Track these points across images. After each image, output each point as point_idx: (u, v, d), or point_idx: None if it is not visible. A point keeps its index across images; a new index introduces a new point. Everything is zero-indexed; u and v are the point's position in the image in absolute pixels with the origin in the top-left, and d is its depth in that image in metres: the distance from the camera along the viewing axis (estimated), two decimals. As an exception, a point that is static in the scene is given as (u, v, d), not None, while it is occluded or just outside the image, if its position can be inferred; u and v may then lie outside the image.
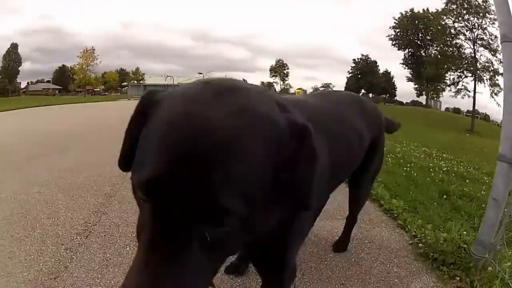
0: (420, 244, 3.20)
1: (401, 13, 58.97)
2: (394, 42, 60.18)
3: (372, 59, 71.50)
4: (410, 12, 58.21)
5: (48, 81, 72.26)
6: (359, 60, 72.00)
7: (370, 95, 73.54)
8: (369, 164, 2.59)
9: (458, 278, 2.67)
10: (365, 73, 70.43)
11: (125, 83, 71.84)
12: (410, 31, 58.25)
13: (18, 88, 65.55)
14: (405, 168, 6.35)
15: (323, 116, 1.82)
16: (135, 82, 66.02)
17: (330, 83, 79.53)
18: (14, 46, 62.27)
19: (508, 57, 2.65)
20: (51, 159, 6.50)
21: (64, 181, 4.99)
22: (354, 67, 72.50)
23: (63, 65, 72.56)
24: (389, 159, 7.11)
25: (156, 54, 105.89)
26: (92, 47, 61.23)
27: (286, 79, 74.52)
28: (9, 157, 6.63)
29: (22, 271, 2.68)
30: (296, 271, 1.72)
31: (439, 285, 2.65)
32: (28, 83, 71.33)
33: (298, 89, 52.56)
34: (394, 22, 59.47)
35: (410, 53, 60.13)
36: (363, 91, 72.23)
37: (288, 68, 74.84)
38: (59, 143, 8.36)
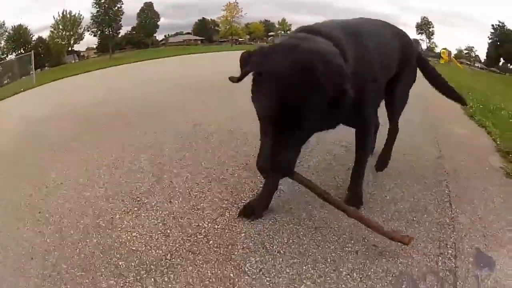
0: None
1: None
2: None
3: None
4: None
5: (188, 33, 76.81)
6: (497, 26, 65.31)
7: (509, 65, 66.64)
8: (402, 74, 3.40)
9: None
10: (502, 41, 63.73)
11: (271, 33, 74.28)
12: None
13: (156, 41, 71.26)
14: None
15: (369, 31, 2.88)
16: (283, 32, 68.04)
17: (473, 47, 72.38)
18: (149, 5, 66.70)
19: None
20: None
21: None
22: (492, 33, 66.03)
23: (203, 18, 76.72)
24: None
25: (300, 6, 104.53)
26: (235, 0, 64.18)
27: (432, 37, 69.87)
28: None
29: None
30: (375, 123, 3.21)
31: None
32: (165, 36, 76.71)
33: (443, 49, 50.39)
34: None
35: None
36: (502, 60, 65.58)
37: (433, 27, 70.03)
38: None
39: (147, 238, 2.82)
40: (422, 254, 2.44)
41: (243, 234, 2.76)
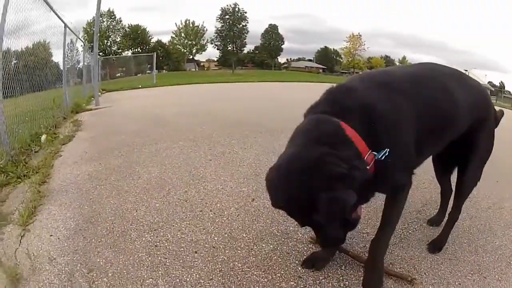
0: None
1: None
2: None
3: None
4: None
5: (310, 60, 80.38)
6: None
7: None
8: (474, 146, 3.06)
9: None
10: None
11: None
12: None
13: (279, 63, 75.41)
14: None
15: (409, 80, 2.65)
16: None
17: None
18: (274, 27, 71.42)
19: None
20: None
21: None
22: None
23: (325, 47, 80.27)
24: None
25: (420, 44, 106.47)
26: (359, 33, 66.62)
27: None
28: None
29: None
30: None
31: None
32: (287, 59, 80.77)
33: None
34: None
35: None
36: None
37: None
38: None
39: (323, 250, 3.05)
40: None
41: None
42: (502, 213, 4.18)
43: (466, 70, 55.07)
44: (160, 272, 2.64)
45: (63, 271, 2.61)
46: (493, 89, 67.94)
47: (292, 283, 2.61)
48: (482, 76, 67.86)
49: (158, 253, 2.88)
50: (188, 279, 2.58)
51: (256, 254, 2.95)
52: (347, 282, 2.67)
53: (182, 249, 2.95)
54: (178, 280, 2.57)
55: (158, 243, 3.01)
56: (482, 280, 2.85)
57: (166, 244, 3.00)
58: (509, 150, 6.91)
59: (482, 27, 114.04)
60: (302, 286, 2.58)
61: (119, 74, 32.67)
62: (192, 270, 2.69)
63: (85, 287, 2.47)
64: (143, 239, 3.07)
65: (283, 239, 3.19)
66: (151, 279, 2.56)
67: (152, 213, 3.54)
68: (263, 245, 3.08)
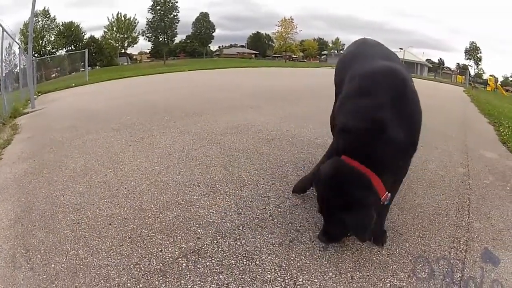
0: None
1: None
2: None
3: None
4: None
5: (242, 46, 79.67)
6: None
7: None
8: None
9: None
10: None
11: (324, 52, 75.57)
12: None
13: (210, 51, 74.52)
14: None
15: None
16: (336, 51, 69.41)
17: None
18: (205, 15, 70.23)
19: None
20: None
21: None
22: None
23: (257, 32, 79.67)
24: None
25: (352, 26, 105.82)
26: (290, 16, 66.67)
27: (479, 63, 68.97)
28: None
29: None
30: None
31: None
32: (219, 47, 79.83)
33: (490, 75, 50.52)
34: None
35: None
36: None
37: (480, 52, 69.08)
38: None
39: (223, 214, 3.39)
40: (438, 245, 2.96)
41: (300, 217, 3.34)
42: (426, 174, 4.54)
43: (401, 49, 55.86)
44: (80, 244, 2.93)
45: (8, 255, 2.86)
46: (431, 65, 69.44)
47: (191, 243, 2.90)
48: (420, 54, 68.93)
49: (80, 228, 3.16)
50: (102, 247, 2.87)
51: (161, 221, 3.25)
52: (243, 241, 2.94)
53: (98, 222, 3.24)
54: (95, 248, 2.86)
55: (79, 221, 3.29)
56: (397, 236, 3.06)
57: (86, 221, 3.28)
58: (437, 118, 7.63)
59: (426, 6, 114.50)
60: (200, 246, 2.87)
61: (54, 75, 31.73)
62: (106, 239, 2.98)
63: (24, 264, 2.74)
64: (68, 219, 3.34)
65: (186, 207, 3.50)
66: (73, 251, 2.84)
67: (76, 197, 3.80)
68: (168, 213, 3.39)
